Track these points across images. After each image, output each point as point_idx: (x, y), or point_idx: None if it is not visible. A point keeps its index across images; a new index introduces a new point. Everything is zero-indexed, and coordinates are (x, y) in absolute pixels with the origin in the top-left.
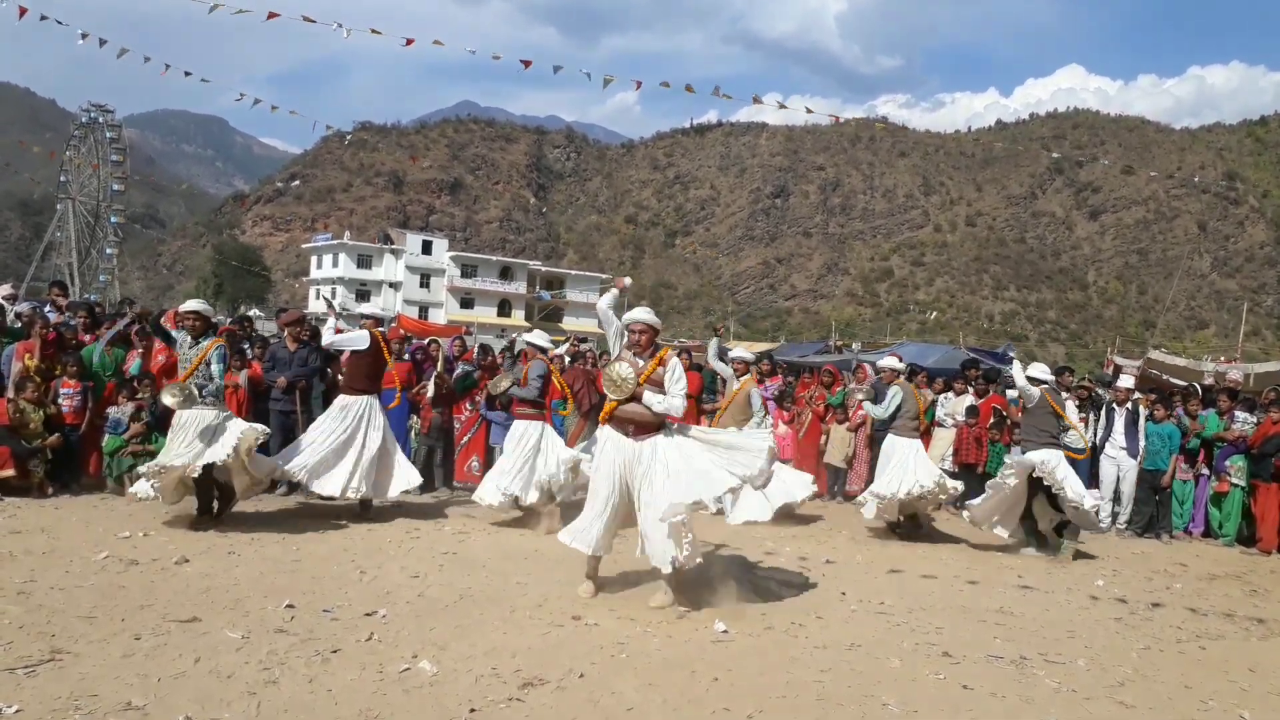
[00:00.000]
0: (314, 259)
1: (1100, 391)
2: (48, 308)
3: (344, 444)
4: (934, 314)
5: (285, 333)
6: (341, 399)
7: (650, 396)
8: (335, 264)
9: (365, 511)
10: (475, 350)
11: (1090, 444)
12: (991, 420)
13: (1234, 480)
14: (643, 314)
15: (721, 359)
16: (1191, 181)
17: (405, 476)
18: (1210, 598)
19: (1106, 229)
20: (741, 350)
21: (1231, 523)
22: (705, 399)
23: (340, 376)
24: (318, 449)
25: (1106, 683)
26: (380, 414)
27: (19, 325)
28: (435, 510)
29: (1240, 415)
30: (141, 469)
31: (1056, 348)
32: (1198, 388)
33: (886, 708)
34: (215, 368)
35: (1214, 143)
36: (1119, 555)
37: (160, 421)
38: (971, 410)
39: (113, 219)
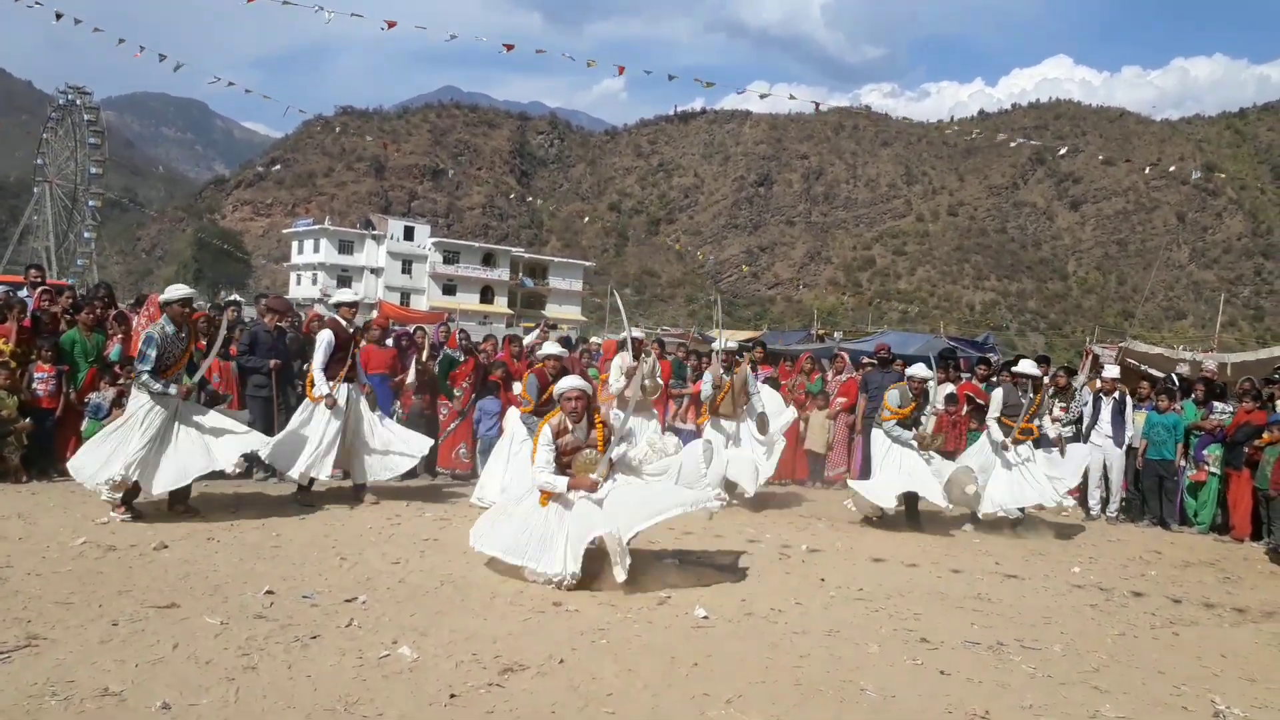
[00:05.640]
0: (295, 244)
1: (1073, 382)
2: (23, 291)
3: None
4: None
5: (266, 316)
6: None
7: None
8: (316, 249)
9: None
10: (458, 335)
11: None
12: (965, 408)
13: (1211, 469)
14: (575, 381)
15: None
16: (1171, 173)
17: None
18: (1184, 584)
19: (1087, 219)
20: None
21: (1206, 511)
22: (675, 384)
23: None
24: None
25: (1081, 668)
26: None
27: None
28: (417, 496)
29: (1218, 405)
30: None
31: (1036, 337)
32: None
33: (864, 693)
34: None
35: (1193, 135)
36: (1095, 542)
37: None
38: (950, 398)
39: (91, 202)
